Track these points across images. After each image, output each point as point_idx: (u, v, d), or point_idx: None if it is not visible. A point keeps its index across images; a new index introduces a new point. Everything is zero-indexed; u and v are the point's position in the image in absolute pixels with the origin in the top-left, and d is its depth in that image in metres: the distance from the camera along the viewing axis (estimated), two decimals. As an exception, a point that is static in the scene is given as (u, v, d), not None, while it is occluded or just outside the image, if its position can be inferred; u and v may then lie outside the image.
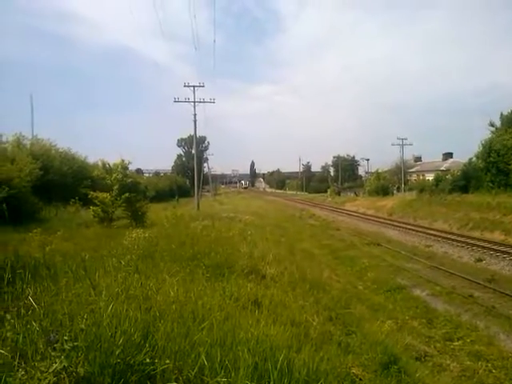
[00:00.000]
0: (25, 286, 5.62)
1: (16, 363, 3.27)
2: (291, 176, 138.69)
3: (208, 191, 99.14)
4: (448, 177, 43.65)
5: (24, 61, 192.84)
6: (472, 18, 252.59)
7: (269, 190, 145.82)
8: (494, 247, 21.72)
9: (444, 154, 73.85)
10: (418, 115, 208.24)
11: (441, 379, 7.96)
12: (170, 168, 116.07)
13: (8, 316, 4.10)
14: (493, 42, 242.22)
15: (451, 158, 70.66)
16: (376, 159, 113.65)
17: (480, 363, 8.90)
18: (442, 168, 60.95)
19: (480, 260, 19.71)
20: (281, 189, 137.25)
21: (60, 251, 9.78)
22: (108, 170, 25.84)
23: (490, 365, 8.82)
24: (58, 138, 42.96)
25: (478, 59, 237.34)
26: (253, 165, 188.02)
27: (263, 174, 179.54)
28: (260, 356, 4.25)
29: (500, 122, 41.85)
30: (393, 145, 67.35)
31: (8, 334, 3.78)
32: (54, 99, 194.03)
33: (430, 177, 54.75)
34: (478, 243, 23.22)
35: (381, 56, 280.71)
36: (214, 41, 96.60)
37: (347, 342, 7.31)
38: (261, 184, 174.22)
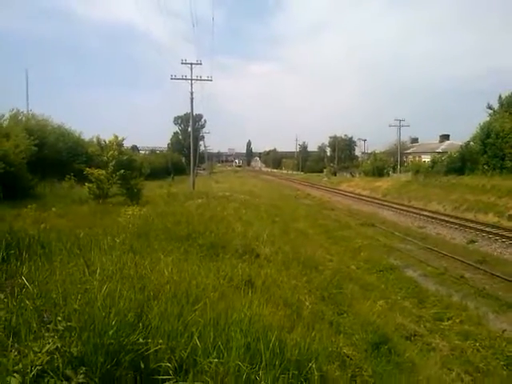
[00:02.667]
0: (19, 264, 5.62)
1: (9, 343, 3.29)
2: (287, 155, 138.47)
3: (204, 169, 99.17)
4: (444, 158, 43.64)
5: (21, 35, 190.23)
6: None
7: (265, 169, 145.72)
8: (487, 229, 21.88)
9: (441, 136, 73.65)
10: (420, 97, 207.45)
11: (430, 358, 8.10)
12: (166, 146, 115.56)
13: (1, 295, 4.11)
14: (499, 25, 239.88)
15: (448, 140, 70.49)
16: (374, 140, 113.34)
17: (468, 342, 9.06)
18: (438, 150, 60.91)
19: (472, 242, 19.89)
20: (277, 168, 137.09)
21: (55, 228, 9.76)
22: (103, 146, 25.61)
23: (478, 344, 8.98)
24: (53, 114, 42.70)
25: (483, 42, 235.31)
26: (249, 144, 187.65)
27: (259, 154, 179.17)
28: (252, 336, 4.30)
29: (498, 105, 41.74)
30: (390, 126, 67.27)
31: (1, 314, 3.78)
32: (51, 74, 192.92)
33: (427, 158, 54.82)
34: (471, 225, 23.38)
35: (384, 37, 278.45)
36: (213, 18, 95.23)
37: (339, 321, 7.41)
38: (257, 163, 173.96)
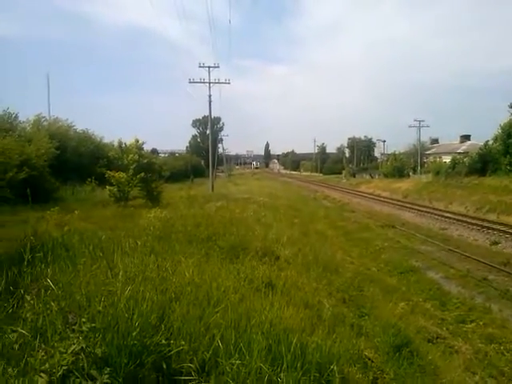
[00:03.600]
0: (43, 267, 5.73)
1: (36, 343, 3.36)
2: (306, 157, 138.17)
3: (222, 172, 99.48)
4: (465, 159, 43.03)
5: (42, 41, 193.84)
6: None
7: (283, 171, 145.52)
8: (511, 230, 21.44)
9: (461, 137, 72.68)
10: (437, 97, 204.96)
11: (452, 361, 8.00)
12: (185, 148, 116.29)
13: (28, 297, 4.20)
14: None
15: (469, 140, 69.51)
16: (393, 141, 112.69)
17: (492, 346, 8.89)
18: (459, 150, 60.12)
19: (496, 243, 19.53)
20: (295, 170, 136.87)
21: (77, 231, 9.91)
22: (124, 149, 25.96)
23: (502, 347, 8.80)
24: (72, 117, 43.30)
25: (500, 40, 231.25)
26: (267, 146, 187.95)
27: (278, 155, 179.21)
28: (274, 339, 4.32)
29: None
30: (410, 127, 66.56)
31: (28, 315, 3.88)
32: (71, 79, 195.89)
33: (447, 159, 54.02)
34: (494, 226, 22.95)
35: (400, 36, 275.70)
36: (230, 21, 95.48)
37: (360, 324, 7.38)
38: (275, 165, 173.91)
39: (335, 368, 4.21)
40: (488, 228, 22.73)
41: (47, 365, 2.98)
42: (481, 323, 10.13)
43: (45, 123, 33.45)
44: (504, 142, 37.34)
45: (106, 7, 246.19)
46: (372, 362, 5.57)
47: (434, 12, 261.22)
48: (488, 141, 41.56)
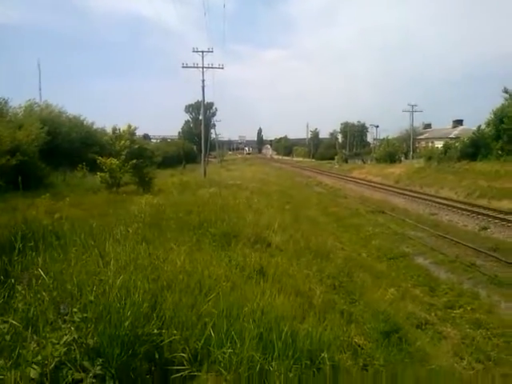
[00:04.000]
0: (34, 255, 5.71)
1: (28, 334, 3.37)
2: (298, 143, 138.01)
3: (215, 157, 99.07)
4: (457, 144, 43.16)
5: (35, 27, 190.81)
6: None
7: (276, 156, 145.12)
8: (500, 216, 21.60)
9: (454, 122, 72.94)
10: (431, 83, 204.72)
11: (441, 347, 8.12)
12: (177, 134, 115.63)
13: (19, 287, 4.19)
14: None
15: (461, 125, 69.76)
16: (387, 127, 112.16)
17: (480, 331, 8.99)
18: (451, 135, 60.34)
19: (485, 228, 19.68)
20: (288, 156, 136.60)
21: (69, 218, 9.86)
22: (117, 135, 25.77)
23: (489, 333, 8.90)
24: (65, 104, 42.92)
25: (494, 27, 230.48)
26: (260, 131, 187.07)
27: (270, 141, 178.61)
28: (265, 327, 4.36)
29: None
30: (403, 111, 66.65)
31: (19, 305, 3.87)
32: (64, 65, 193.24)
33: (440, 144, 54.17)
34: (484, 211, 23.11)
35: (395, 22, 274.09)
36: (224, 6, 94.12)
37: (350, 311, 7.44)
38: (268, 151, 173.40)
39: (326, 355, 4.26)
40: (477, 213, 22.89)
41: (39, 356, 2.98)
42: (469, 308, 10.25)
43: (36, 109, 33.07)
44: (496, 126, 37.45)
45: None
46: (362, 348, 5.63)
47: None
48: (480, 126, 41.72)
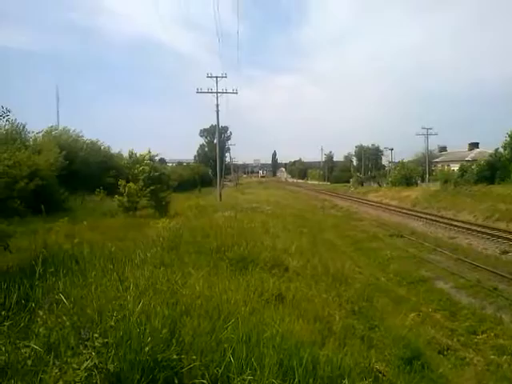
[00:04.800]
0: (54, 280, 5.76)
1: (49, 359, 3.38)
2: (313, 166, 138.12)
3: (230, 181, 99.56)
4: (473, 167, 42.79)
5: (49, 51, 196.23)
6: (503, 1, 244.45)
7: (290, 180, 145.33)
8: (521, 239, 21.26)
9: (470, 144, 72.44)
10: (446, 105, 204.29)
11: (464, 374, 7.92)
12: (193, 158, 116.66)
13: (40, 312, 4.22)
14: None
15: (477, 148, 69.22)
16: (401, 149, 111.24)
17: (505, 357, 8.78)
18: (467, 158, 59.85)
19: (506, 252, 19.33)
20: (302, 179, 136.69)
21: (87, 241, 9.95)
22: (134, 160, 26.12)
23: (515, 359, 8.72)
24: (83, 128, 43.77)
25: (509, 46, 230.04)
26: (274, 154, 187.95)
27: (285, 164, 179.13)
28: (285, 353, 4.31)
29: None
30: (417, 135, 66.20)
31: (40, 330, 3.90)
32: (80, 90, 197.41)
33: (456, 167, 53.80)
34: (503, 235, 22.75)
35: (409, 45, 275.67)
36: (238, 32, 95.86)
37: (370, 336, 7.31)
38: (282, 174, 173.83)
39: (346, 382, 4.19)
40: (498, 237, 22.53)
41: (61, 382, 3.00)
42: (492, 334, 10.03)
43: (55, 133, 33.79)
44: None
45: (115, 18, 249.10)
46: (383, 375, 5.51)
47: (444, 20, 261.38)
48: (498, 148, 41.36)
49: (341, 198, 56.85)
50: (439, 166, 72.08)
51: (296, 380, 3.92)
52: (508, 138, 38.66)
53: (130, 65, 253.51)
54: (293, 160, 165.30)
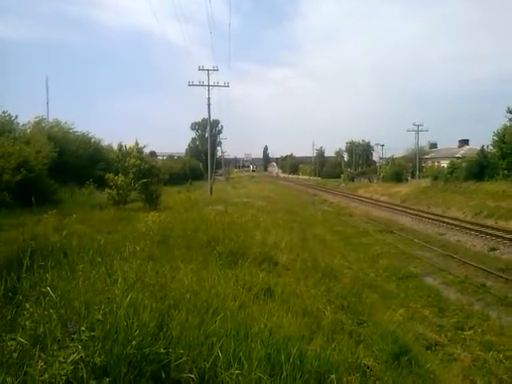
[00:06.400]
0: (42, 273, 5.71)
1: (35, 352, 3.35)
2: (304, 161, 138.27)
3: (221, 175, 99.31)
4: (463, 164, 43.06)
5: (42, 42, 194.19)
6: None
7: (281, 174, 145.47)
8: (509, 236, 21.43)
9: (460, 141, 72.94)
10: (439, 102, 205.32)
11: (451, 369, 7.98)
12: (184, 151, 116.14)
13: (27, 304, 4.18)
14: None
15: (467, 145, 69.69)
16: (393, 146, 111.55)
17: (491, 353, 8.89)
18: (457, 155, 60.16)
19: (494, 249, 19.55)
20: (293, 173, 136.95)
21: (76, 234, 9.88)
22: (124, 152, 25.88)
23: (501, 355, 8.81)
24: (73, 119, 43.39)
25: (504, 44, 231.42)
26: (266, 149, 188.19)
27: (276, 159, 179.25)
28: (273, 348, 4.31)
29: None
30: (408, 131, 66.43)
31: (27, 323, 3.85)
32: (72, 80, 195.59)
33: (446, 164, 54.08)
34: (492, 232, 22.97)
35: (403, 41, 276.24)
36: (229, 25, 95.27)
37: (358, 331, 7.33)
38: (274, 168, 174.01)
39: (334, 377, 4.19)
40: (486, 234, 22.75)
41: (46, 375, 2.97)
42: (479, 330, 10.14)
43: (45, 125, 33.41)
44: (500, 147, 37.37)
45: (107, 10, 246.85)
46: (371, 370, 5.53)
47: (440, 16, 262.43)
48: (483, 146, 41.66)
49: (331, 194, 57.03)
50: (429, 162, 72.46)
51: (284, 375, 3.91)
52: (495, 137, 38.86)
53: (121, 57, 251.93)
54: (284, 155, 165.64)
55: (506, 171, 36.62)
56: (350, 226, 27.32)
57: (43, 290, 4.66)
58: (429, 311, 11.44)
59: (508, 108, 40.98)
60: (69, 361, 3.11)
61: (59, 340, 3.59)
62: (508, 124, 39.08)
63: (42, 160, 24.14)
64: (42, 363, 3.11)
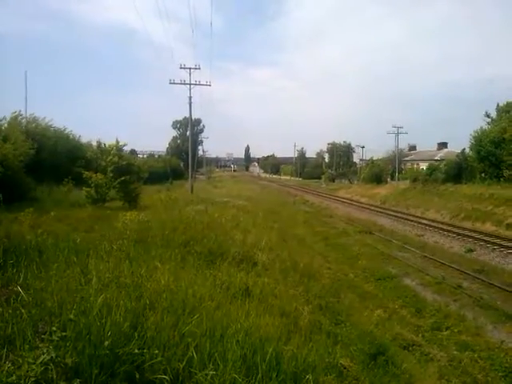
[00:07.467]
0: (15, 271, 5.58)
1: (4, 353, 3.25)
2: (286, 161, 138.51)
3: (202, 174, 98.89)
4: (441, 166, 43.66)
5: (21, 36, 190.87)
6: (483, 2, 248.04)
7: (263, 174, 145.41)
8: (485, 238, 21.85)
9: (439, 144, 73.88)
10: (420, 104, 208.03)
11: (427, 369, 8.07)
12: (165, 150, 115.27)
13: (-4, 304, 4.08)
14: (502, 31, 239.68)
15: (446, 148, 70.63)
16: (374, 147, 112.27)
17: (467, 353, 9.03)
18: (436, 158, 60.99)
19: (471, 250, 19.86)
20: (275, 174, 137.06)
21: (52, 233, 9.69)
22: (103, 150, 25.53)
23: (476, 355, 8.95)
24: (52, 116, 42.58)
25: (486, 48, 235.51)
26: (248, 149, 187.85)
27: (258, 159, 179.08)
28: (249, 348, 4.28)
29: (496, 113, 41.75)
30: (388, 133, 66.93)
31: (-4, 323, 3.76)
32: (50, 76, 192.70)
33: (425, 166, 54.80)
34: (469, 234, 23.35)
35: (385, 43, 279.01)
36: (211, 23, 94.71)
37: (336, 332, 7.37)
38: (255, 168, 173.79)
39: (311, 377, 4.19)
40: (463, 235, 23.10)
41: (14, 376, 2.88)
42: (455, 330, 10.28)
43: (22, 121, 32.71)
44: (477, 150, 37.99)
45: (89, 5, 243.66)
46: (348, 370, 5.56)
47: (421, 20, 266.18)
48: (464, 148, 42.34)
49: (312, 194, 57.22)
50: (409, 164, 73.25)
51: (259, 375, 3.89)
52: (472, 141, 39.51)
53: (102, 53, 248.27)
54: (266, 155, 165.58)
55: (482, 174, 37.25)
56: (330, 226, 27.44)
57: (15, 289, 4.54)
58: (406, 311, 11.54)
59: (486, 112, 41.79)
60: (38, 362, 3.03)
61: (30, 341, 3.50)
62: (485, 127, 39.81)
63: (19, 157, 23.64)
64: (10, 364, 3.03)
